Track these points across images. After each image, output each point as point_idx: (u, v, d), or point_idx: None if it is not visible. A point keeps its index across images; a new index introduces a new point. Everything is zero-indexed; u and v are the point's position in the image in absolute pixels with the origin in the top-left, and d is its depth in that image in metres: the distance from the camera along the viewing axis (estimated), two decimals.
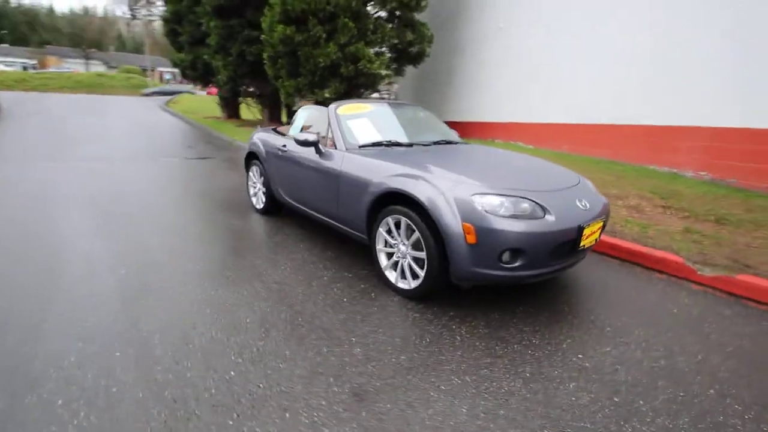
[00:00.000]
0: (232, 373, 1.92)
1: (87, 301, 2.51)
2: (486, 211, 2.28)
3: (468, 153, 3.31)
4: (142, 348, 2.07)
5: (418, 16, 9.84)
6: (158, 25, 37.82)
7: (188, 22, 15.23)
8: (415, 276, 2.59)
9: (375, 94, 11.22)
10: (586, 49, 7.21)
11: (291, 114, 17.59)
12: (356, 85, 9.95)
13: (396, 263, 2.73)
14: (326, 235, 3.82)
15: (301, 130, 3.72)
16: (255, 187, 4.55)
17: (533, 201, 2.37)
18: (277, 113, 15.38)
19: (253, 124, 15.98)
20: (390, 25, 9.30)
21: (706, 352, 2.22)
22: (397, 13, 9.59)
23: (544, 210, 2.36)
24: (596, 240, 2.64)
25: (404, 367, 2.00)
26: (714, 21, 5.42)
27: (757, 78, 5.05)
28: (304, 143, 3.28)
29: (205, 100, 26.05)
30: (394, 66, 9.91)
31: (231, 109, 16.65)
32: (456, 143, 3.66)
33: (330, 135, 3.36)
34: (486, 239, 2.25)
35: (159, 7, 34.63)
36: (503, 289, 2.79)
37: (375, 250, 2.84)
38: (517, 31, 8.85)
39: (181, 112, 19.48)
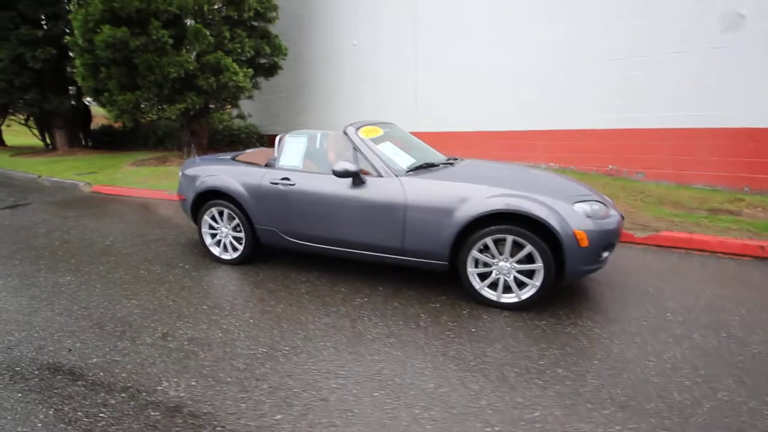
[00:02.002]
0: None
1: None
2: (588, 217, 2.63)
3: (501, 168, 3.55)
4: None
5: (272, 29, 9.34)
6: None
7: None
8: (522, 287, 2.72)
9: (234, 110, 10.05)
10: (446, 65, 8.39)
11: (94, 137, 13.72)
12: (217, 99, 8.72)
13: (493, 282, 2.78)
14: (346, 267, 3.46)
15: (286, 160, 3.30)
16: (219, 234, 3.63)
17: (601, 202, 2.85)
18: (75, 137, 11.84)
19: (35, 151, 11.93)
20: (245, 34, 8.49)
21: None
22: (254, 23, 8.85)
23: (608, 209, 2.87)
24: None
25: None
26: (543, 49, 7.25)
27: (573, 94, 7.04)
28: (344, 174, 2.93)
29: None
30: (253, 79, 9.12)
31: None
32: (461, 160, 3.80)
33: (364, 162, 3.07)
34: (594, 241, 2.59)
35: None
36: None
37: (466, 273, 2.80)
38: (375, 47, 9.49)
39: None
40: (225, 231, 3.60)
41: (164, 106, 8.15)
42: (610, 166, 6.70)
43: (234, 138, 11.43)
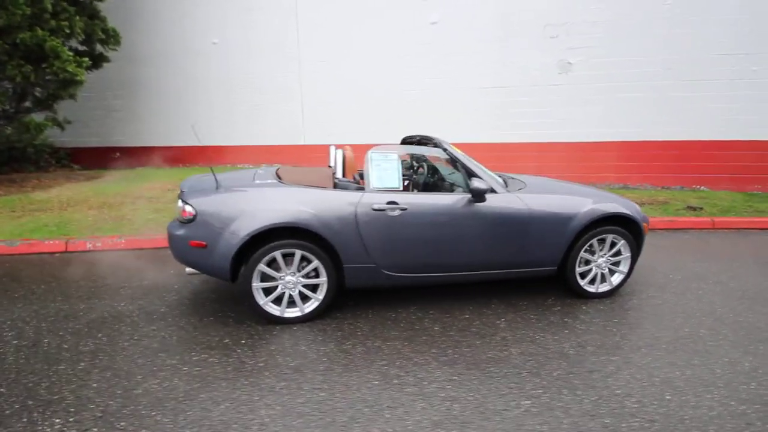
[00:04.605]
0: None
1: None
2: (639, 212, 3.39)
3: (559, 182, 3.94)
4: None
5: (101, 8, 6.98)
6: None
7: None
8: (603, 280, 3.23)
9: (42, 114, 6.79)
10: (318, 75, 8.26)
11: None
12: (34, 95, 5.84)
13: (590, 271, 3.20)
14: (430, 296, 3.23)
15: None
16: (280, 287, 2.71)
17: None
18: None
19: None
20: (73, 10, 6.04)
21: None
22: None
23: None
24: None
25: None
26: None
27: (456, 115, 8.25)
28: (485, 192, 2.85)
29: None
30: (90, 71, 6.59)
31: None
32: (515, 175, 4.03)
33: (465, 176, 2.99)
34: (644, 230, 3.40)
35: None
36: None
37: (574, 273, 3.12)
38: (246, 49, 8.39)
39: None
40: (292, 279, 2.73)
41: None
42: None
43: (14, 154, 7.89)
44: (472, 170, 2.97)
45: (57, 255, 4.11)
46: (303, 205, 2.68)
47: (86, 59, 6.11)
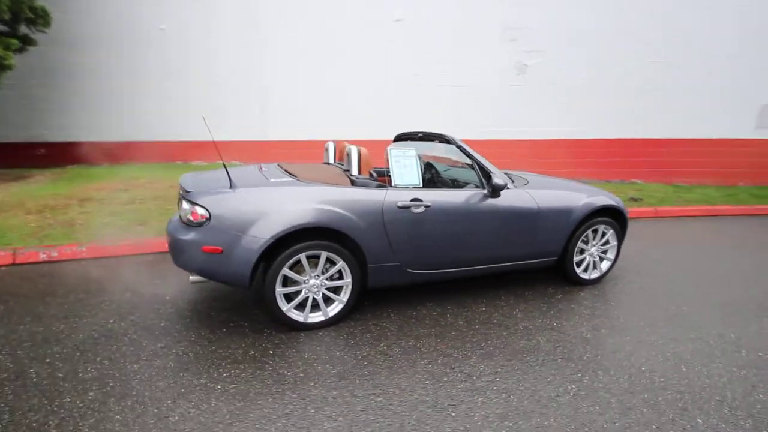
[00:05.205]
0: None
1: None
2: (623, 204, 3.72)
3: (552, 178, 4.08)
4: None
5: None
6: None
7: None
8: (594, 267, 3.50)
9: None
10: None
11: None
12: None
13: (584, 260, 3.44)
14: (447, 292, 3.28)
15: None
16: (305, 289, 2.56)
17: None
18: None
19: None
20: None
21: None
22: None
23: None
24: None
25: None
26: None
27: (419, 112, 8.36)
28: (504, 188, 2.95)
29: None
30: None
31: None
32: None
33: (478, 172, 3.06)
34: None
35: None
36: None
37: (572, 262, 3.35)
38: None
39: None
40: (316, 283, 2.59)
41: None
42: None
43: None
44: (485, 167, 3.04)
45: (4, 268, 3.49)
46: (328, 204, 2.56)
47: (15, 41, 5.20)
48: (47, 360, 2.25)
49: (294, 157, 7.21)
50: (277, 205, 2.49)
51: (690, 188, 7.56)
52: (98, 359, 2.28)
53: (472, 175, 3.18)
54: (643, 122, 7.84)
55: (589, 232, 3.39)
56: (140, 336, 2.52)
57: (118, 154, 7.71)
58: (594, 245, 3.47)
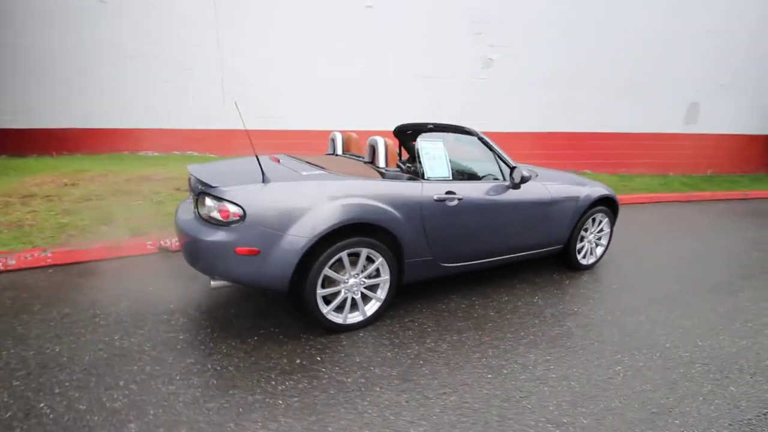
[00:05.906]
0: None
1: None
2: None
3: (552, 170, 4.14)
4: None
5: None
6: None
7: None
8: (591, 253, 3.74)
9: None
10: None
11: None
12: None
13: (583, 247, 3.65)
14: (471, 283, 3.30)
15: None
16: (344, 289, 2.41)
17: None
18: None
19: None
20: None
21: None
22: None
23: None
24: None
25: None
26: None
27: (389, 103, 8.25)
28: (527, 180, 3.02)
29: None
30: None
31: None
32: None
33: (500, 164, 3.10)
34: None
35: None
36: None
37: (574, 247, 3.53)
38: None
39: None
40: (355, 282, 2.45)
41: None
42: None
43: None
44: (506, 159, 3.08)
45: None
46: (370, 199, 2.42)
47: None
48: (56, 390, 1.89)
49: (262, 148, 6.80)
50: (318, 200, 2.31)
51: (632, 177, 8.37)
52: (121, 384, 1.96)
53: (488, 167, 3.21)
54: (596, 117, 8.49)
55: (589, 220, 3.61)
56: (160, 352, 2.21)
57: (48, 143, 6.70)
58: (592, 233, 3.70)
